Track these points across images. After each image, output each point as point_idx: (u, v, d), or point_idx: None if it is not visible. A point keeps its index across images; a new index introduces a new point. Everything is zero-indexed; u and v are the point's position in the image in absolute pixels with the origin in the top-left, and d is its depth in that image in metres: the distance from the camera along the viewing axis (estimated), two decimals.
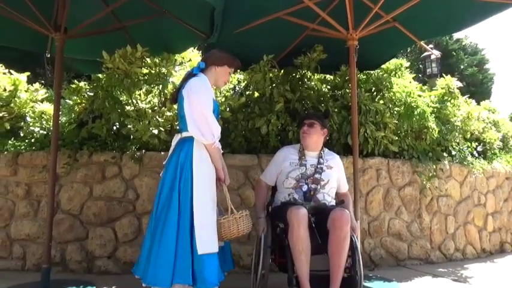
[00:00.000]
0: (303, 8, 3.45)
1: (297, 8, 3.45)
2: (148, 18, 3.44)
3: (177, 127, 3.57)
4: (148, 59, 3.67)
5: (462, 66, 11.15)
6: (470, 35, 31.50)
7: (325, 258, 2.37)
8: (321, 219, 2.44)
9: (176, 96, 2.45)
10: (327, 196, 2.63)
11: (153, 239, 2.18)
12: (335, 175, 2.73)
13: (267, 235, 2.47)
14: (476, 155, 4.66)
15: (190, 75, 2.41)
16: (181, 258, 2.07)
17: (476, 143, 4.70)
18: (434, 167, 4.05)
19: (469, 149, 4.56)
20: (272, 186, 2.86)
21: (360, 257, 2.38)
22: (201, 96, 2.25)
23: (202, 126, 2.22)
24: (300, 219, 2.27)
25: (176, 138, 2.37)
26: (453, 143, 4.38)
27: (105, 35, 3.63)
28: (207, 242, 2.12)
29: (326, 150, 2.83)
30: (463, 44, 13.87)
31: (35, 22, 2.93)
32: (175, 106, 3.65)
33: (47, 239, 2.89)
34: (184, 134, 2.31)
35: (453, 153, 4.36)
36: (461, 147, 4.46)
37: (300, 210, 2.30)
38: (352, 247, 2.38)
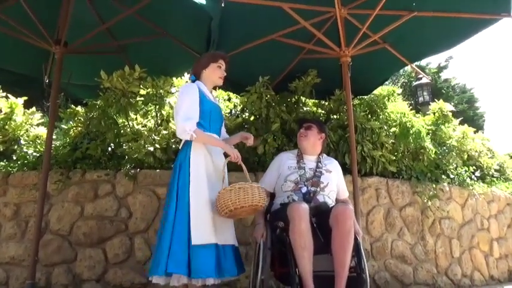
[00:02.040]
0: (297, 30, 3.60)
1: (292, 30, 3.58)
2: (146, 39, 3.54)
3: (173, 145, 3.57)
4: (146, 81, 3.72)
5: (452, 103, 11.46)
6: (458, 76, 32.57)
7: (329, 258, 2.24)
8: (321, 220, 2.34)
9: None
10: (327, 198, 2.55)
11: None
12: (335, 179, 2.67)
13: (266, 239, 2.36)
14: (475, 179, 4.61)
15: None
16: (176, 249, 2.09)
17: (474, 167, 4.66)
18: (434, 186, 3.98)
19: (467, 173, 4.52)
20: (270, 194, 2.77)
21: (364, 256, 2.26)
22: (180, 96, 2.41)
23: (176, 124, 2.36)
24: (301, 213, 2.17)
25: (182, 142, 2.46)
26: (451, 166, 4.35)
27: (103, 57, 3.71)
28: (201, 234, 2.15)
29: (324, 155, 2.79)
30: (452, 84, 14.38)
31: (36, 36, 3.01)
32: (171, 125, 3.66)
33: (32, 254, 2.75)
34: None
35: (451, 176, 4.31)
36: (459, 171, 4.43)
37: (301, 204, 2.22)
38: (356, 246, 2.26)
